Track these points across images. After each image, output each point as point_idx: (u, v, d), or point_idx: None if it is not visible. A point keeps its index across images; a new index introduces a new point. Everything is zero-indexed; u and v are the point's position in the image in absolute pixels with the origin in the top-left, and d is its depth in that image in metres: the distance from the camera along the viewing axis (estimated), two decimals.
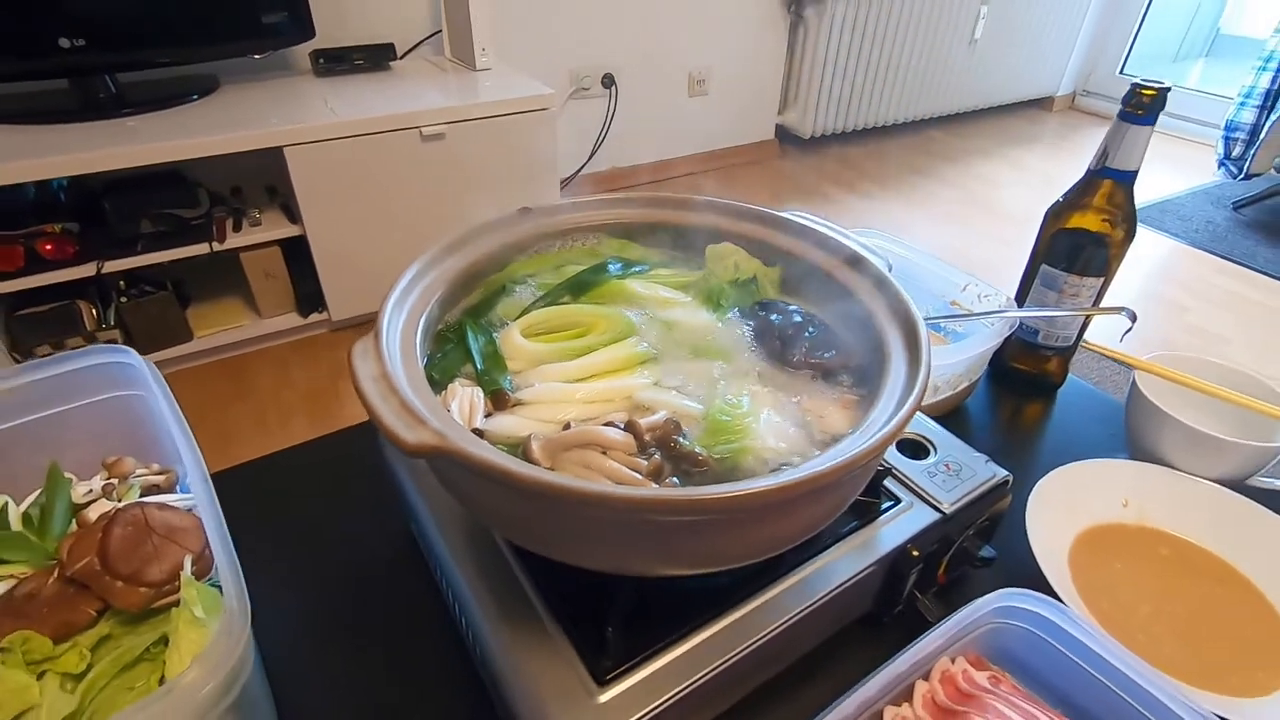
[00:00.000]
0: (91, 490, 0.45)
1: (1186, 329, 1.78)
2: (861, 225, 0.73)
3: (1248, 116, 2.17)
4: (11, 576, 0.38)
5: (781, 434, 0.38)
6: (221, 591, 0.37)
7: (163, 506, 0.41)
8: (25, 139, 1.28)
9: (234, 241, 1.46)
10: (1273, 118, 2.11)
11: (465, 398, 0.39)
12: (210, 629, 0.36)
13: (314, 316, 1.61)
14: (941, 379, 0.63)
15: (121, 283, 1.40)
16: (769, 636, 0.39)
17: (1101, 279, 0.63)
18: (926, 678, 0.41)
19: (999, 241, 2.08)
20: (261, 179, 1.62)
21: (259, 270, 1.53)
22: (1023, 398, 0.71)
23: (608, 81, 2.18)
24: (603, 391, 0.40)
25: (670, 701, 0.36)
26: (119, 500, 0.44)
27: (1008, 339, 0.70)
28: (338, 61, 1.67)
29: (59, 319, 1.36)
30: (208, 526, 0.38)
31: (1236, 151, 2.22)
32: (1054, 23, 2.95)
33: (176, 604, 0.37)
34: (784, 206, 0.69)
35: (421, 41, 1.82)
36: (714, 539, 0.33)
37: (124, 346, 0.48)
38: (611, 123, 2.24)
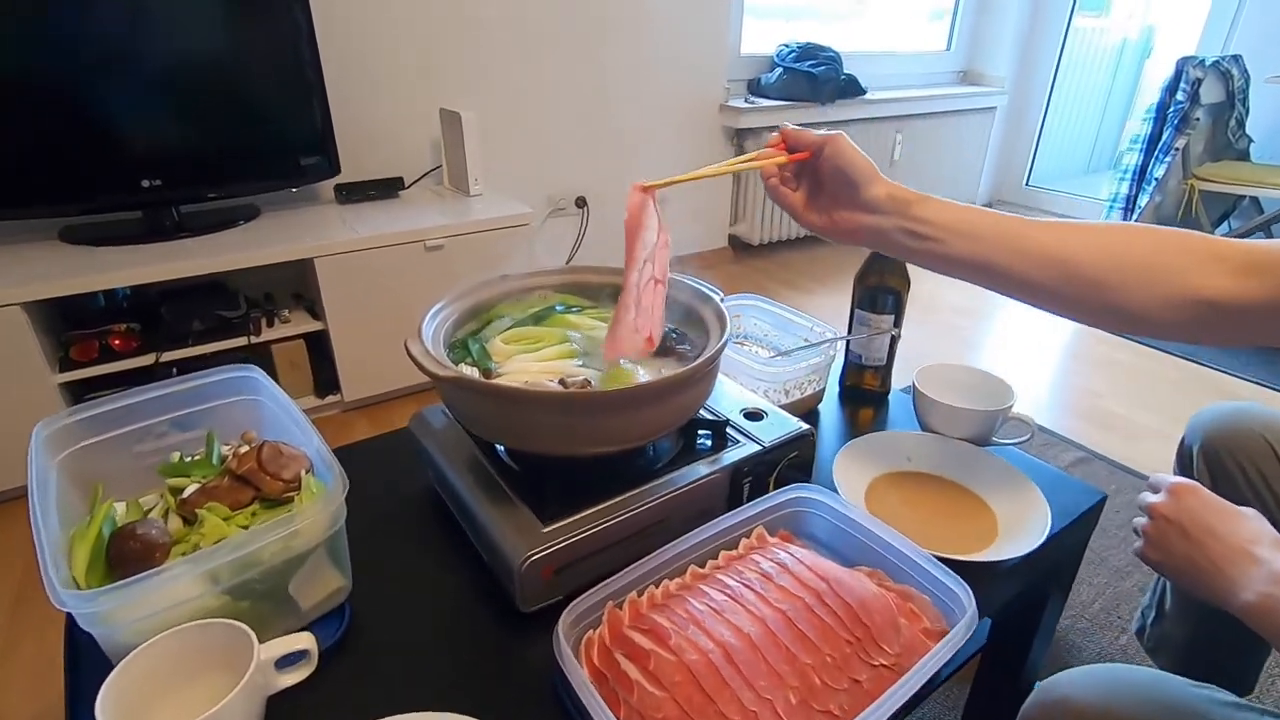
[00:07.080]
0: (230, 446, 0.72)
1: (1070, 388, 2.10)
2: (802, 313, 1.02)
3: (1116, 218, 2.60)
4: (197, 482, 0.65)
5: None
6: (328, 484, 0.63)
7: (286, 445, 0.68)
8: (105, 258, 1.60)
9: (267, 335, 1.77)
10: (1134, 218, 2.53)
11: (468, 371, 0.68)
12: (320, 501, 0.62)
13: (329, 398, 1.89)
14: (791, 383, 0.91)
15: (174, 370, 1.69)
16: (650, 506, 0.65)
17: (893, 315, 0.93)
18: (749, 535, 0.67)
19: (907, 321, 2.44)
20: (290, 287, 1.95)
21: (286, 360, 1.82)
22: (861, 403, 1.00)
23: (580, 203, 2.59)
24: (548, 367, 0.69)
25: (586, 534, 0.62)
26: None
27: (847, 363, 1.00)
28: (356, 192, 2.04)
29: None
30: (312, 452, 0.66)
31: None
32: (961, 147, 3.48)
33: (296, 494, 0.64)
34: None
35: (425, 174, 2.22)
36: (603, 423, 0.61)
37: (251, 365, 0.77)
38: (584, 236, 2.63)
